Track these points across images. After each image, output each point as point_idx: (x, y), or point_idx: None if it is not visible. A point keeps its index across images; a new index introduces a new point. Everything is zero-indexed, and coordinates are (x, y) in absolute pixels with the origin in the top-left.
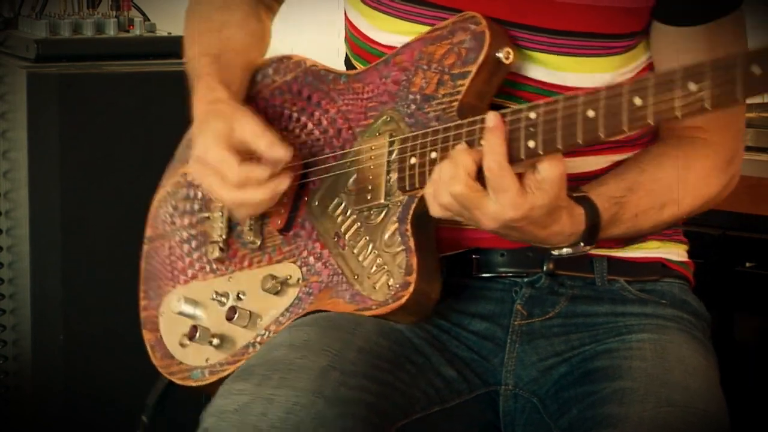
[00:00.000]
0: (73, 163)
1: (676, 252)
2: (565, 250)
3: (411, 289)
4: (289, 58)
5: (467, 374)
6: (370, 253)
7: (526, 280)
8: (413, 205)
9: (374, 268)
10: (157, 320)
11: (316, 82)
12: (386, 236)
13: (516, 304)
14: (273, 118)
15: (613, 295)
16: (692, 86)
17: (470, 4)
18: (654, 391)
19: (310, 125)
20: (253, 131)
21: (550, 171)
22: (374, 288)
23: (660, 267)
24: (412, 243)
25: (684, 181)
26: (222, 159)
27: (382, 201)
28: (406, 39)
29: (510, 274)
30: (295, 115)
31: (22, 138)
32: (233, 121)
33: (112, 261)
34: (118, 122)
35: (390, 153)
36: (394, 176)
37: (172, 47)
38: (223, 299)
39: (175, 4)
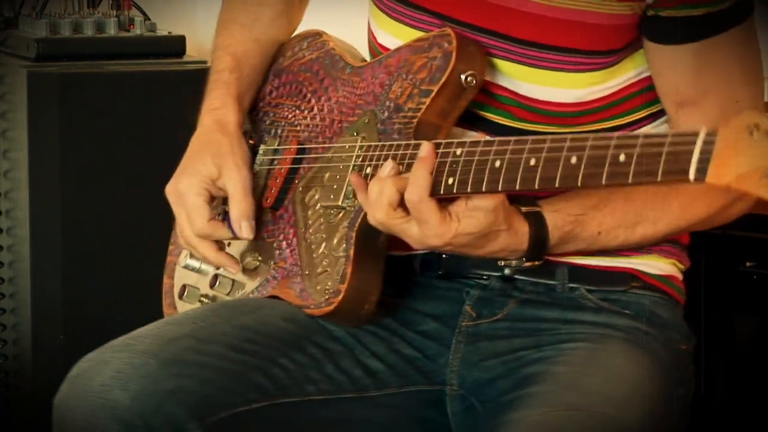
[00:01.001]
0: (74, 163)
1: (654, 265)
2: (515, 263)
3: (340, 297)
4: (319, 35)
5: (402, 369)
6: (322, 252)
7: (475, 281)
8: (363, 213)
9: (320, 268)
10: (175, 268)
11: (330, 67)
12: (335, 239)
13: (465, 305)
14: (293, 94)
15: (568, 302)
16: (573, 159)
17: (443, 6)
18: (560, 395)
19: (315, 109)
20: (234, 191)
21: (483, 201)
22: (316, 288)
23: (629, 278)
24: (351, 251)
25: (663, 200)
26: (196, 207)
27: (340, 203)
28: (392, 38)
29: (466, 276)
30: (308, 95)
31: (22, 137)
32: (224, 169)
33: (112, 260)
34: (119, 122)
35: (357, 157)
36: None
37: (173, 47)
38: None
39: (175, 4)
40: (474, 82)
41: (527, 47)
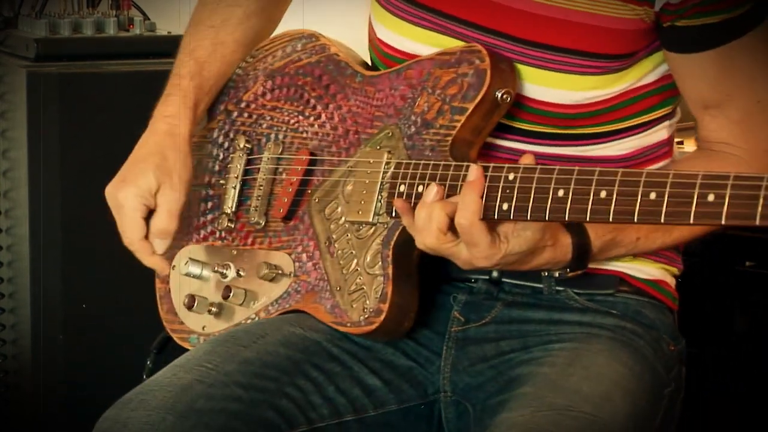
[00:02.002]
0: (73, 162)
1: (642, 269)
2: (558, 273)
3: (382, 317)
4: (316, 38)
5: (398, 385)
6: (354, 269)
7: (462, 284)
8: (398, 231)
9: (354, 285)
10: (170, 273)
11: (336, 73)
12: (369, 256)
13: (453, 311)
14: (293, 98)
15: (554, 303)
16: (652, 195)
17: (447, 5)
18: (541, 396)
19: (323, 117)
20: (161, 209)
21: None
22: (351, 306)
23: (616, 280)
24: (390, 270)
25: None
26: (133, 223)
27: (370, 219)
28: (395, 35)
29: (454, 278)
30: (312, 101)
31: (21, 137)
32: (162, 185)
33: (112, 260)
34: (118, 121)
35: (385, 173)
36: (385, 197)
37: (172, 46)
38: (225, 272)
39: (174, 4)
40: (509, 99)
41: (530, 47)
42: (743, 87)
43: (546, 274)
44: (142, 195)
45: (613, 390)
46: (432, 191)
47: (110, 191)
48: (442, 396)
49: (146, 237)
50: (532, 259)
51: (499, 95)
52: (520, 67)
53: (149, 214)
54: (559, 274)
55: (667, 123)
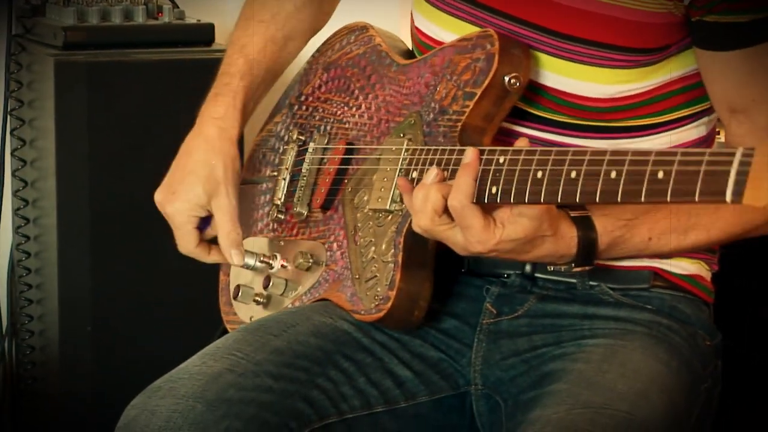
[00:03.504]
0: (101, 152)
1: (679, 265)
2: (564, 268)
3: (389, 304)
4: (366, 29)
5: (429, 376)
6: (371, 257)
7: (495, 279)
8: (409, 219)
9: (369, 273)
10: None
11: (377, 63)
12: (384, 244)
13: (486, 303)
14: (341, 90)
15: (588, 298)
16: (613, 173)
17: None
18: (576, 393)
19: (363, 107)
20: (221, 221)
21: (528, 208)
22: (366, 293)
23: (651, 276)
24: (400, 257)
25: (717, 205)
26: (185, 233)
27: (387, 207)
28: (435, 27)
29: (486, 273)
30: (356, 92)
31: (49, 127)
32: (213, 197)
33: (140, 251)
34: (147, 111)
35: (404, 160)
36: None
37: (202, 34)
38: (272, 263)
39: None
40: (518, 84)
41: (560, 39)
42: None
43: (552, 269)
44: (192, 209)
45: (650, 387)
46: (432, 174)
47: (159, 201)
48: (473, 389)
49: (200, 243)
50: (531, 248)
51: (507, 79)
52: (552, 59)
53: (202, 219)
54: (564, 269)
55: (705, 119)
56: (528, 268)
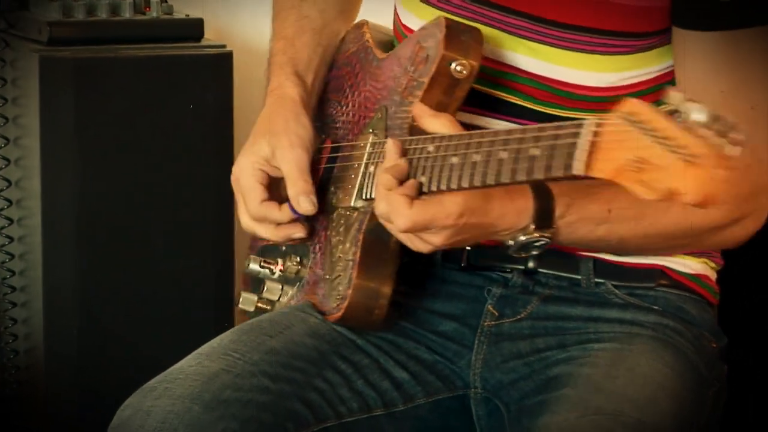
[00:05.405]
0: (87, 151)
1: (684, 263)
2: (521, 238)
3: (346, 303)
4: (360, 26)
5: (425, 377)
6: (338, 255)
7: (496, 275)
8: (368, 215)
9: (336, 272)
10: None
11: (364, 60)
12: (348, 242)
13: (487, 304)
14: (336, 89)
15: (594, 298)
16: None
17: None
18: (586, 399)
19: (350, 105)
20: (288, 170)
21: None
22: (331, 293)
23: (658, 274)
24: (357, 255)
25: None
26: (249, 189)
27: (352, 204)
28: (416, 18)
29: (487, 268)
30: (347, 90)
31: (34, 124)
32: (276, 148)
33: (127, 252)
34: (135, 108)
35: (368, 155)
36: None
37: (190, 30)
38: (273, 269)
39: None
40: (464, 72)
41: (557, 28)
42: (738, 86)
43: (511, 242)
44: (257, 162)
45: (659, 393)
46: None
47: (232, 173)
48: (472, 392)
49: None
50: (483, 217)
51: (454, 66)
52: (549, 49)
53: (271, 184)
54: (525, 238)
55: None
56: (531, 263)
